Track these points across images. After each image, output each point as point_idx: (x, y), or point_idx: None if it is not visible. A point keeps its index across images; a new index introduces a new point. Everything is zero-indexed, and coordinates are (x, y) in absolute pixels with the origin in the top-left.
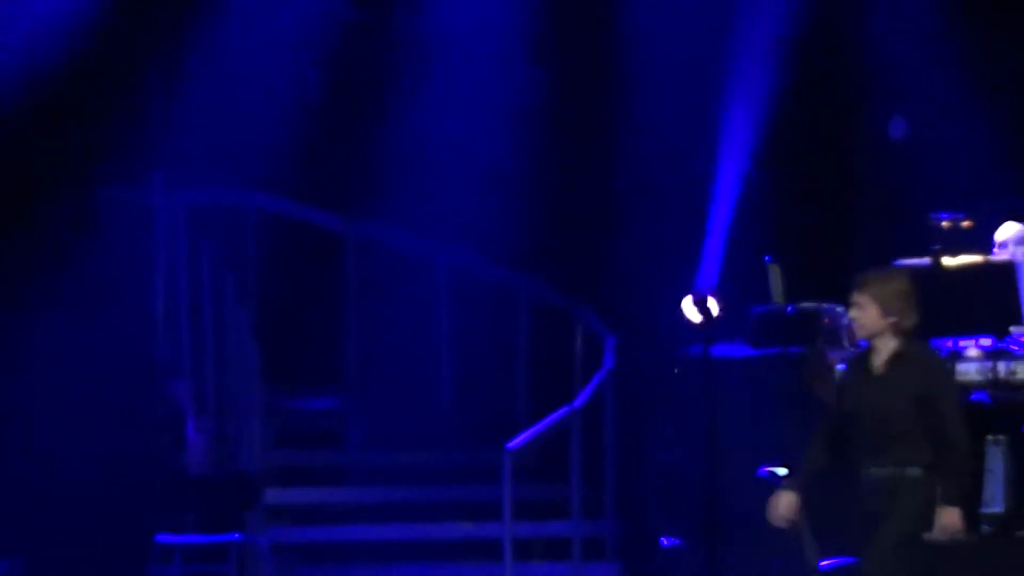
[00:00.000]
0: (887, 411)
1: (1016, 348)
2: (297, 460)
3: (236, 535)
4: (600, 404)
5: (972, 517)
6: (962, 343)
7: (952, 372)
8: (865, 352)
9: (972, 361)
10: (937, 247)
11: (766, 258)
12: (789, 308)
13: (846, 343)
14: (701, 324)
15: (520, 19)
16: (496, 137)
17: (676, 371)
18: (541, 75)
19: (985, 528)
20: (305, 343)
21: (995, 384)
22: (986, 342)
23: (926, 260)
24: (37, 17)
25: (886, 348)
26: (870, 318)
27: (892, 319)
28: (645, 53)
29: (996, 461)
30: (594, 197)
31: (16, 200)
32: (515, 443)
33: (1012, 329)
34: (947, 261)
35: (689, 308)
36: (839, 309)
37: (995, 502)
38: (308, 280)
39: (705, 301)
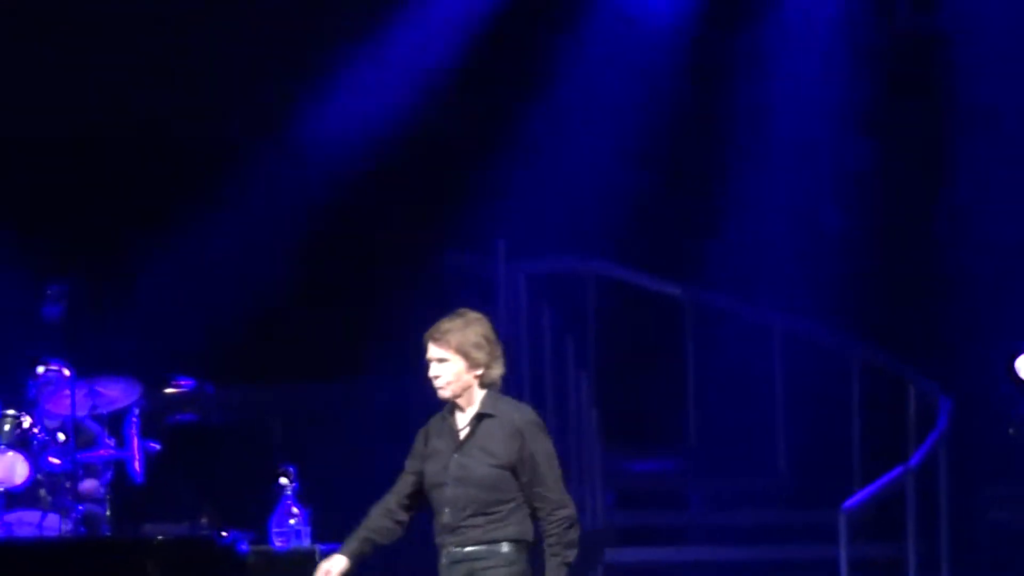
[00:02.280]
0: (470, 480)
1: None
2: (637, 520)
3: None
4: (934, 464)
5: None
6: None
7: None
8: (447, 412)
9: None
10: None
11: None
12: None
13: None
14: None
15: (850, 87)
16: (828, 204)
17: (1011, 431)
18: (871, 143)
19: None
20: (644, 406)
21: None
22: None
23: None
24: (391, 88)
25: (470, 406)
26: (454, 373)
27: (478, 371)
28: (974, 111)
29: None
30: (925, 259)
31: (365, 265)
32: (852, 503)
33: None
34: None
35: (1023, 367)
36: None
37: None
38: (646, 344)
39: None
